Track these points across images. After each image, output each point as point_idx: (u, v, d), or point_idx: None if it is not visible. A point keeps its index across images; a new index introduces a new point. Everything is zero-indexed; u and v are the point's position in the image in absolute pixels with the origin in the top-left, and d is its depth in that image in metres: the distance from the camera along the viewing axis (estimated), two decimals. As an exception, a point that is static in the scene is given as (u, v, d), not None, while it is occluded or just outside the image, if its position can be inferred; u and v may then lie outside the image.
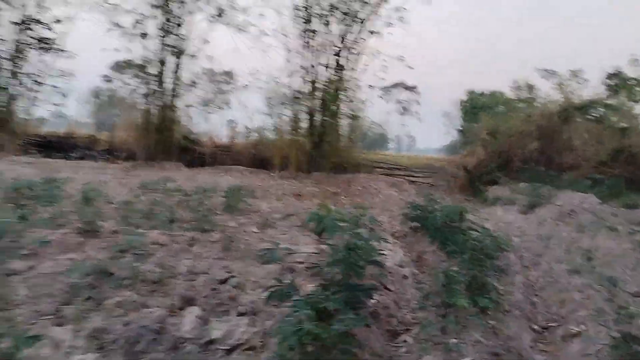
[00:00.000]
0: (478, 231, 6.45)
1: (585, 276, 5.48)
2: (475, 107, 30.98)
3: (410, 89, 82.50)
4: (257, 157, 17.77)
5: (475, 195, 16.03)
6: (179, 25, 15.07)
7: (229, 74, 21.35)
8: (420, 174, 20.56)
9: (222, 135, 21.62)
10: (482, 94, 37.51)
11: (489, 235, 6.39)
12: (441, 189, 18.67)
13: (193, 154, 19.22)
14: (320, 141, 14.33)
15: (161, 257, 5.11)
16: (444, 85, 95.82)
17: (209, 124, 20.99)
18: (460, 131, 36.18)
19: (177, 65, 15.36)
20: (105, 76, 28.54)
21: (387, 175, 19.32)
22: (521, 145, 17.17)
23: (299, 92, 14.18)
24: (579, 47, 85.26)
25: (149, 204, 8.04)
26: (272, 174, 14.41)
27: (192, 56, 15.34)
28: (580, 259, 6.67)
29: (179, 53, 15.15)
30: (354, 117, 15.00)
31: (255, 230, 7.69)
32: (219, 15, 14.54)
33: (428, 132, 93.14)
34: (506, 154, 16.94)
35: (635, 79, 18.00)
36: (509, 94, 28.09)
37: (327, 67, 14.37)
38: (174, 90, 15.36)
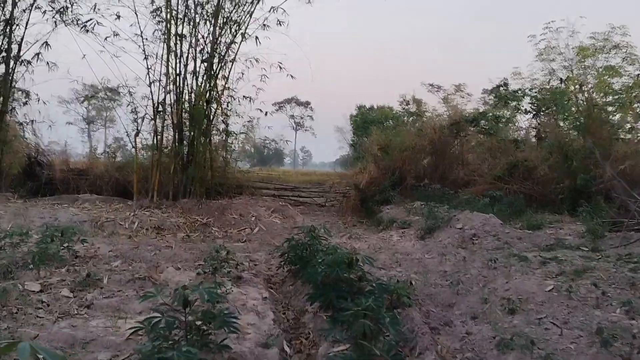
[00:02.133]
0: (372, 285, 4.78)
1: (519, 352, 3.92)
2: (366, 121, 30.46)
3: (304, 104, 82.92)
4: (120, 182, 15.11)
5: (368, 217, 14.68)
6: (8, 24, 12.17)
7: (93, 86, 18.24)
8: (311, 193, 19.02)
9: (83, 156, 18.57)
10: (371, 109, 37.55)
11: (386, 290, 4.74)
12: (332, 210, 17.24)
13: (39, 180, 16.12)
14: (188, 162, 12.14)
15: None
16: (339, 100, 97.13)
17: (65, 144, 17.67)
18: (352, 146, 35.72)
19: (8, 73, 12.41)
20: None
21: (274, 196, 17.55)
22: (414, 160, 16.21)
23: (161, 104, 11.92)
24: (460, 68, 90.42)
25: None
26: (129, 203, 11.95)
27: (28, 63, 12.47)
28: (501, 312, 5.18)
29: (9, 58, 12.24)
30: (228, 133, 12.96)
31: (66, 294, 5.44)
32: (62, 12, 11.88)
33: (323, 147, 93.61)
34: (399, 170, 15.85)
35: (520, 90, 17.82)
36: (398, 108, 27.70)
37: (195, 75, 12.26)
38: (4, 102, 12.37)
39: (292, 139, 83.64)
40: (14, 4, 11.91)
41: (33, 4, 12.18)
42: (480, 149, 16.57)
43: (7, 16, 12.00)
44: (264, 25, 12.17)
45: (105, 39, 11.41)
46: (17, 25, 12.33)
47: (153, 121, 12.00)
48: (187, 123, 12.12)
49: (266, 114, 12.99)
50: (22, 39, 12.38)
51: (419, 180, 15.33)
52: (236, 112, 12.85)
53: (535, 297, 5.56)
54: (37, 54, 12.16)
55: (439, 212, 11.42)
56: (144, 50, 11.82)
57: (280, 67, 12.76)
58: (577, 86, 15.37)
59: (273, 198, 16.93)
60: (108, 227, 10.58)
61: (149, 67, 11.92)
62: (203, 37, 12.28)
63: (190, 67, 12.35)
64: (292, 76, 12.78)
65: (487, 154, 15.85)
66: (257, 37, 12.43)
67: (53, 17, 11.90)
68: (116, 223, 10.69)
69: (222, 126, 12.95)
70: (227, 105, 12.76)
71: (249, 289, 6.10)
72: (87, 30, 11.39)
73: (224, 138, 13.16)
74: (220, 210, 11.49)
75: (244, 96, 12.74)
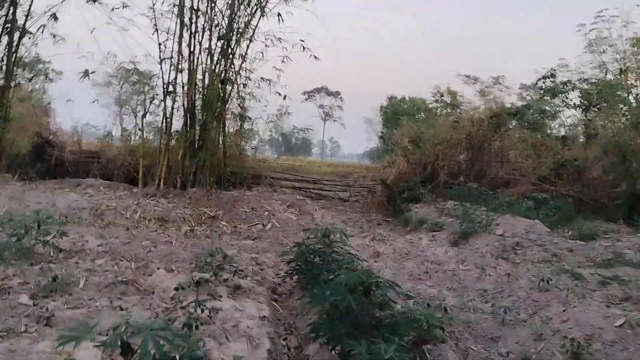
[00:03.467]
0: (395, 315, 3.78)
1: None
2: (397, 113, 29.23)
3: (333, 94, 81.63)
4: (132, 167, 14.29)
5: (395, 216, 13.59)
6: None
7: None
8: (334, 186, 17.99)
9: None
10: (402, 100, 36.32)
11: (414, 322, 3.72)
12: (356, 206, 16.20)
13: (49, 161, 15.51)
14: (199, 148, 11.24)
15: None
16: (369, 90, 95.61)
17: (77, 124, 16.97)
18: (381, 138, 34.70)
19: (11, 45, 11.66)
20: None
21: (295, 189, 16.58)
22: (448, 155, 15.01)
23: (172, 84, 11.03)
24: (496, 61, 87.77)
25: None
26: (134, 191, 11.15)
27: (31, 34, 11.71)
28: (561, 355, 4.10)
29: (13, 30, 11.50)
30: (243, 118, 11.99)
31: (24, 301, 4.57)
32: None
33: (352, 138, 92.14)
34: (431, 165, 14.68)
35: (569, 82, 16.34)
36: (431, 100, 26.30)
37: (210, 54, 11.33)
38: (7, 76, 11.65)
39: (320, 129, 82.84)
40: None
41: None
42: (523, 145, 15.24)
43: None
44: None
45: (113, 9, 10.56)
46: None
47: (162, 102, 11.11)
48: (200, 105, 11.21)
49: (284, 97, 12.02)
50: (28, 10, 11.62)
51: (453, 177, 14.18)
52: (253, 95, 11.91)
53: (604, 334, 4.46)
54: (43, 26, 11.40)
55: (475, 214, 10.34)
56: (155, 25, 10.94)
57: (304, 48, 11.74)
58: (635, 80, 13.88)
59: (293, 190, 15.99)
60: (108, 216, 9.80)
61: (160, 43, 11.03)
62: (220, 11, 11.32)
63: (205, 45, 11.43)
64: (315, 57, 11.75)
65: (530, 151, 14.53)
66: (279, 14, 11.42)
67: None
68: (117, 212, 9.91)
69: (237, 110, 11.97)
70: (244, 88, 11.81)
71: (247, 302, 5.14)
72: (95, 0, 10.54)
73: (239, 123, 12.21)
74: (231, 202, 10.60)
75: (262, 78, 11.78)
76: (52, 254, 6.32)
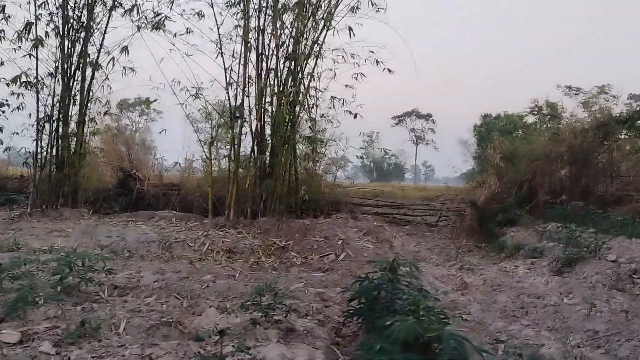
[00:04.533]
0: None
1: None
2: (492, 132, 27.75)
3: (425, 117, 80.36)
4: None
5: (487, 241, 12.35)
6: (85, 27, 11.80)
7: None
8: (419, 211, 16.98)
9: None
10: (497, 118, 34.75)
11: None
12: (445, 231, 15.07)
13: (130, 194, 15.86)
14: (269, 175, 10.83)
15: None
16: (462, 110, 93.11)
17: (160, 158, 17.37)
18: (475, 159, 33.35)
19: (87, 81, 12.03)
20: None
21: (377, 215, 15.80)
22: (547, 172, 13.55)
23: (238, 109, 10.77)
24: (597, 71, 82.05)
25: None
26: (205, 222, 10.92)
27: (101, 67, 12.02)
28: None
29: (85, 65, 11.87)
30: (314, 141, 11.47)
31: (46, 349, 4.17)
32: (130, 11, 11.26)
33: (447, 161, 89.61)
34: (528, 184, 13.30)
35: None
36: (528, 116, 24.50)
37: (277, 75, 11.01)
38: (80, 111, 12.00)
39: (412, 153, 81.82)
40: (90, 9, 11.49)
41: (112, 7, 11.66)
42: (636, 156, 13.49)
43: (83, 20, 11.61)
44: (355, 8, 10.56)
45: (175, 35, 10.54)
46: (96, 29, 11.94)
47: (230, 129, 10.85)
48: (268, 130, 10.85)
49: (355, 116, 11.36)
50: (101, 45, 11.96)
51: (554, 196, 12.73)
52: (324, 116, 11.40)
53: None
54: (112, 59, 11.66)
55: (582, 237, 9.09)
56: (220, 48, 10.78)
57: (378, 62, 11.10)
58: None
59: (375, 217, 15.21)
60: (176, 248, 9.62)
61: (226, 68, 10.85)
62: (286, 28, 10.99)
63: (272, 66, 11.13)
64: (389, 70, 11.06)
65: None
66: (350, 28, 10.87)
67: (124, 16, 11.31)
68: (185, 244, 9.70)
69: (307, 132, 11.48)
70: (314, 109, 11.32)
71: (299, 348, 4.43)
72: (158, 28, 10.58)
73: (310, 146, 11.71)
74: (302, 231, 10.03)
75: (332, 97, 11.25)
76: (103, 292, 6.02)
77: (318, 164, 12.61)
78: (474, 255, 11.42)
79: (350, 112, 11.37)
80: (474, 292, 7.63)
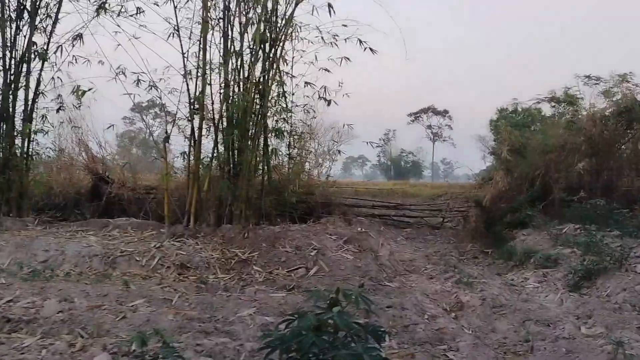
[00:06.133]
0: None
1: None
2: (510, 126, 26.23)
3: (441, 113, 78.75)
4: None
5: (496, 245, 10.86)
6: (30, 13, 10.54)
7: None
8: (421, 211, 15.53)
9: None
10: (514, 111, 33.24)
11: None
12: (449, 234, 13.60)
13: (101, 198, 14.58)
14: (235, 174, 9.49)
15: None
16: (481, 105, 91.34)
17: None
18: (492, 154, 31.87)
19: (33, 74, 10.77)
20: None
21: (373, 217, 14.41)
22: (563, 165, 12.03)
23: (198, 99, 9.44)
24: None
25: None
26: (162, 231, 9.60)
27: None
28: None
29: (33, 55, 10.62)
30: (278, 133, 10.10)
31: None
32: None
33: (465, 158, 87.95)
34: (541, 179, 11.79)
35: None
36: (542, 106, 22.86)
37: (242, 58, 9.71)
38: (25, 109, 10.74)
39: (430, 150, 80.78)
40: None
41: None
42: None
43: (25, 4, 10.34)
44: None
45: (119, 14, 9.21)
46: (45, 15, 10.66)
47: (190, 122, 9.52)
48: (232, 123, 9.47)
49: (329, 103, 9.96)
50: (51, 33, 10.67)
51: (571, 192, 11.22)
52: (296, 105, 10.05)
53: None
54: (59, 47, 10.37)
55: (604, 243, 7.59)
56: (177, 29, 9.44)
57: (360, 41, 9.70)
58: None
59: (371, 219, 13.82)
60: (121, 263, 8.27)
61: (184, 52, 9.53)
62: (256, 4, 9.62)
63: (239, 49, 9.77)
64: (371, 49, 9.59)
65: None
66: (330, 5, 9.47)
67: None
68: (132, 258, 8.36)
69: (284, 125, 10.12)
70: (285, 96, 9.93)
71: None
72: (102, 9, 9.26)
73: (286, 140, 10.36)
74: (270, 240, 8.66)
75: (305, 82, 9.89)
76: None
77: (303, 161, 11.27)
78: (478, 264, 10.00)
79: (324, 99, 9.98)
80: (469, 316, 6.24)
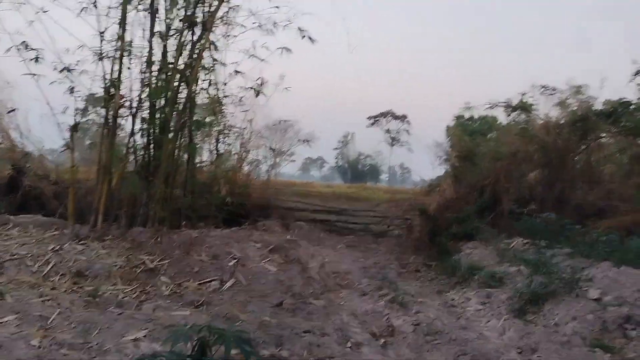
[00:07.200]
0: None
1: None
2: (460, 132, 25.93)
3: (400, 118, 78.95)
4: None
5: (441, 258, 10.14)
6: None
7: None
8: (365, 219, 14.75)
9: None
10: (471, 119, 33.01)
11: None
12: (394, 243, 12.83)
13: (17, 191, 13.22)
14: (152, 171, 8.44)
15: None
16: (439, 111, 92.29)
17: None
18: (447, 161, 31.57)
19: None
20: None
21: (314, 221, 13.55)
22: (515, 175, 11.48)
23: (114, 83, 8.33)
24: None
25: None
26: (65, 232, 8.47)
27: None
28: None
29: None
30: (225, 131, 9.16)
31: None
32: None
33: (421, 163, 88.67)
34: (491, 189, 11.20)
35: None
36: (502, 117, 22.68)
37: (166, 41, 8.67)
38: None
39: (388, 154, 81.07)
40: None
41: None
42: (621, 158, 11.54)
43: None
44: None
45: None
46: None
47: (104, 109, 8.41)
48: (152, 112, 8.43)
49: (258, 94, 9.08)
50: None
51: (521, 204, 10.68)
52: (226, 96, 9.09)
53: None
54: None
55: (554, 262, 6.93)
56: (94, 3, 8.32)
57: (300, 30, 8.83)
58: None
59: (313, 224, 12.98)
60: (10, 269, 7.07)
61: (101, 32, 8.40)
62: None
63: (162, 30, 8.75)
64: (310, 38, 8.73)
65: (634, 165, 10.82)
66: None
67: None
68: (23, 263, 7.19)
69: (212, 118, 9.12)
70: (213, 85, 8.95)
71: None
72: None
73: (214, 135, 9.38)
74: (185, 247, 7.67)
75: (235, 71, 8.92)
76: None
77: (238, 159, 10.34)
78: (419, 278, 9.25)
79: (254, 90, 9.06)
80: (398, 345, 5.41)
